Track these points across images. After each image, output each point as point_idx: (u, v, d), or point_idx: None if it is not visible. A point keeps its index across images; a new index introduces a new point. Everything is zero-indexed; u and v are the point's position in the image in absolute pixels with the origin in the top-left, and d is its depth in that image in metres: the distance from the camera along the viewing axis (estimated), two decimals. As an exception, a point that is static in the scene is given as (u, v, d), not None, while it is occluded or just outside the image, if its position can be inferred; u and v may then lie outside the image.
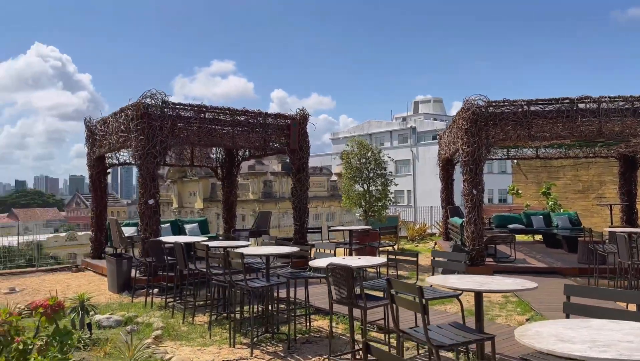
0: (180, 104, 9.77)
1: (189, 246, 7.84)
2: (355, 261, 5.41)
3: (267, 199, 38.03)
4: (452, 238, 13.29)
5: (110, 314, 7.17)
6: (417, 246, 15.59)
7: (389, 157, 13.49)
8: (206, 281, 7.08)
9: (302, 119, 10.93)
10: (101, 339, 6.08)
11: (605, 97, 9.79)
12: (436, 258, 5.88)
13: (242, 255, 5.67)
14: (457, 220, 12.29)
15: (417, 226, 17.96)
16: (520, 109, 10.03)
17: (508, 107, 10.11)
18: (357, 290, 5.20)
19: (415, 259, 5.85)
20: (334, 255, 6.79)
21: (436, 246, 15.14)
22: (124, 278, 9.13)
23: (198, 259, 7.63)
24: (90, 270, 11.63)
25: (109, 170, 12.41)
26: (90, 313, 6.55)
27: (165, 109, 9.51)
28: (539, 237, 15.04)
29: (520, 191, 18.98)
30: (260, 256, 6.61)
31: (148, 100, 9.41)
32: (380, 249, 10.30)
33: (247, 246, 7.37)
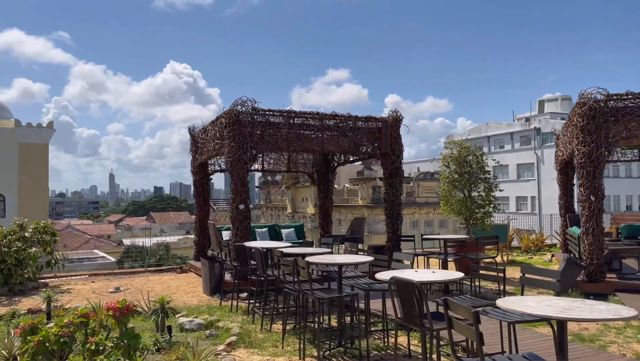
0: (270, 110, 9.82)
1: (271, 251, 7.76)
2: (426, 275, 4.86)
3: (376, 205, 37.59)
4: (570, 250, 11.86)
5: (194, 317, 7.30)
6: (530, 258, 14.19)
7: (494, 159, 12.40)
8: (283, 288, 6.93)
9: (394, 121, 10.42)
10: (179, 342, 6.17)
11: None
12: (526, 275, 5.11)
13: (307, 264, 5.40)
14: (575, 230, 10.92)
15: (533, 236, 16.38)
16: (647, 102, 8.63)
17: (632, 100, 8.77)
18: (434, 306, 4.68)
19: (499, 275, 5.14)
20: (412, 266, 6.25)
21: (553, 258, 13.68)
22: (216, 281, 9.34)
23: (276, 265, 7.53)
24: (192, 272, 12.16)
25: (210, 177, 12.93)
26: (171, 315, 6.70)
27: (255, 116, 9.62)
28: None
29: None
30: (332, 265, 6.29)
31: (239, 107, 9.59)
32: (486, 260, 9.46)
33: (325, 253, 7.09)
